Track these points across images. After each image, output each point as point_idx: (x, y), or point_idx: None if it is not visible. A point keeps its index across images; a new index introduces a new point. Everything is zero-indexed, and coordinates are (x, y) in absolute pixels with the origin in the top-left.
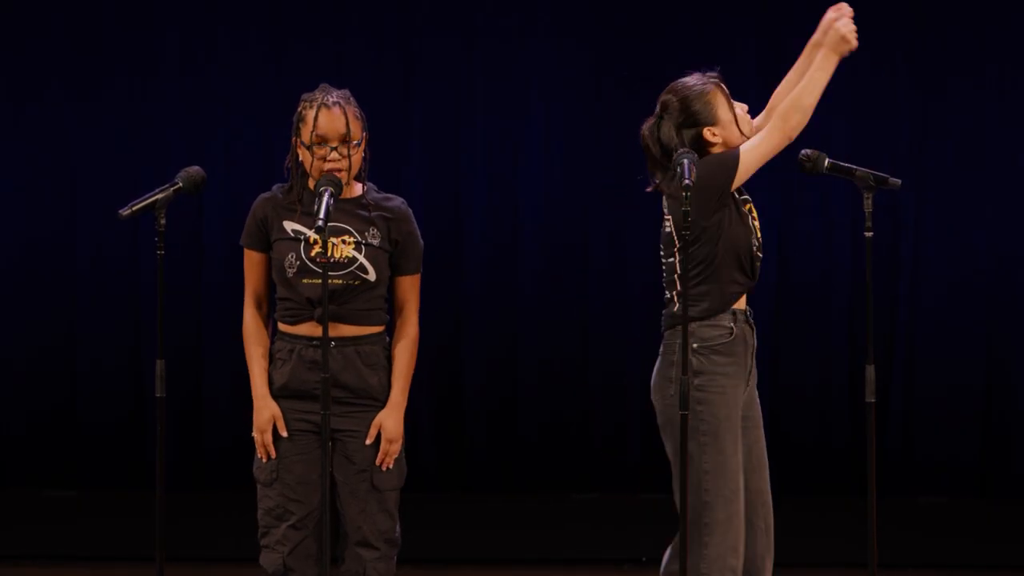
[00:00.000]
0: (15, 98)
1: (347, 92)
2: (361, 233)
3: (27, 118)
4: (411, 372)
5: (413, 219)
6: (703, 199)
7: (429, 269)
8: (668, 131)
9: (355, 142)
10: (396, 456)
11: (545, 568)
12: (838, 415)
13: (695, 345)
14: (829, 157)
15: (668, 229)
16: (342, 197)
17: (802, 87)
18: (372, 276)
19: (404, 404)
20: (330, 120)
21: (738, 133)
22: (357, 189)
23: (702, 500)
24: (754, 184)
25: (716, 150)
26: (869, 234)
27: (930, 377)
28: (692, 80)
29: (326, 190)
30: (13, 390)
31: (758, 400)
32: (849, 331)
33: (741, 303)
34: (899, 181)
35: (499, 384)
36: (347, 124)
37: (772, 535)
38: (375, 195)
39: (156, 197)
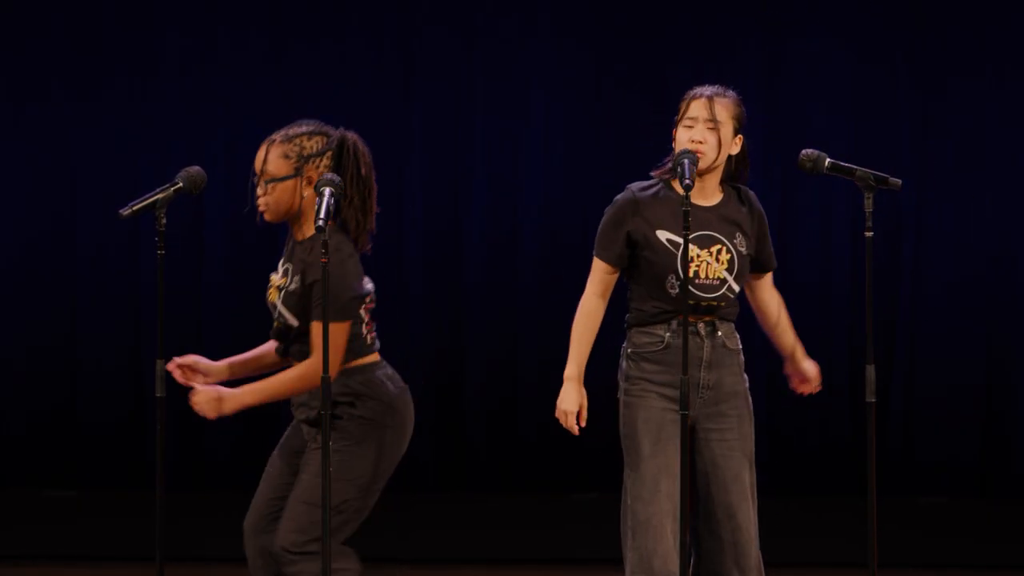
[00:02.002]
0: (15, 98)
1: (301, 130)
2: (286, 275)
3: (27, 118)
4: (274, 393)
5: (334, 293)
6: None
7: (430, 269)
8: None
9: (269, 179)
10: (206, 400)
11: (545, 568)
12: (838, 415)
13: (629, 350)
14: (829, 157)
15: None
16: (296, 238)
17: (574, 333)
18: (294, 322)
19: (246, 401)
20: (258, 155)
21: (674, 145)
22: (308, 231)
23: (626, 503)
24: (754, 184)
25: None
26: (869, 234)
27: (930, 377)
28: (697, 86)
29: (326, 189)
30: (13, 390)
31: (734, 414)
32: (849, 331)
33: (694, 317)
34: (899, 181)
35: (499, 384)
36: (264, 160)
37: (744, 550)
38: (309, 241)
39: (156, 197)
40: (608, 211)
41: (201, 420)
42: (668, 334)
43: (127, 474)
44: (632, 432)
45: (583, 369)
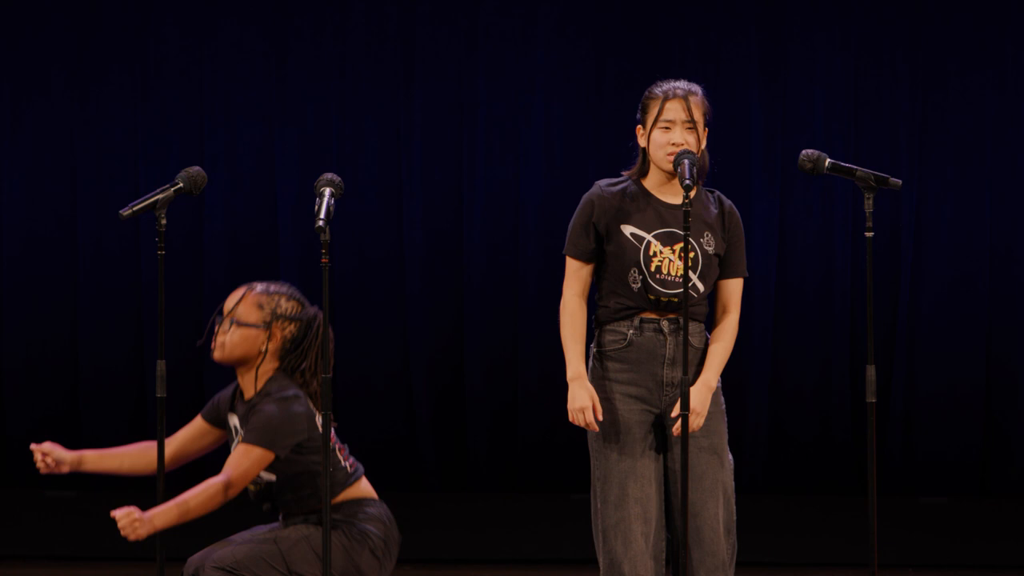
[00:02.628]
0: (16, 98)
1: (286, 290)
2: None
3: (28, 118)
4: (184, 514)
5: (264, 419)
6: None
7: (430, 269)
8: None
9: (240, 322)
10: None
11: (545, 568)
12: (838, 415)
13: (595, 350)
14: (830, 157)
15: None
16: (246, 396)
17: (563, 330)
18: (270, 477)
19: (157, 525)
20: (232, 295)
21: (645, 145)
22: (251, 387)
23: (596, 506)
24: (754, 184)
25: (644, 153)
26: (869, 234)
27: (930, 377)
28: (666, 81)
29: (326, 189)
30: (15, 390)
31: (706, 413)
32: (849, 331)
33: (657, 314)
34: (899, 181)
35: (500, 384)
36: (238, 301)
37: (710, 549)
38: (259, 398)
39: (156, 197)
40: (577, 209)
41: None
42: (631, 331)
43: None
44: (601, 435)
45: (584, 368)
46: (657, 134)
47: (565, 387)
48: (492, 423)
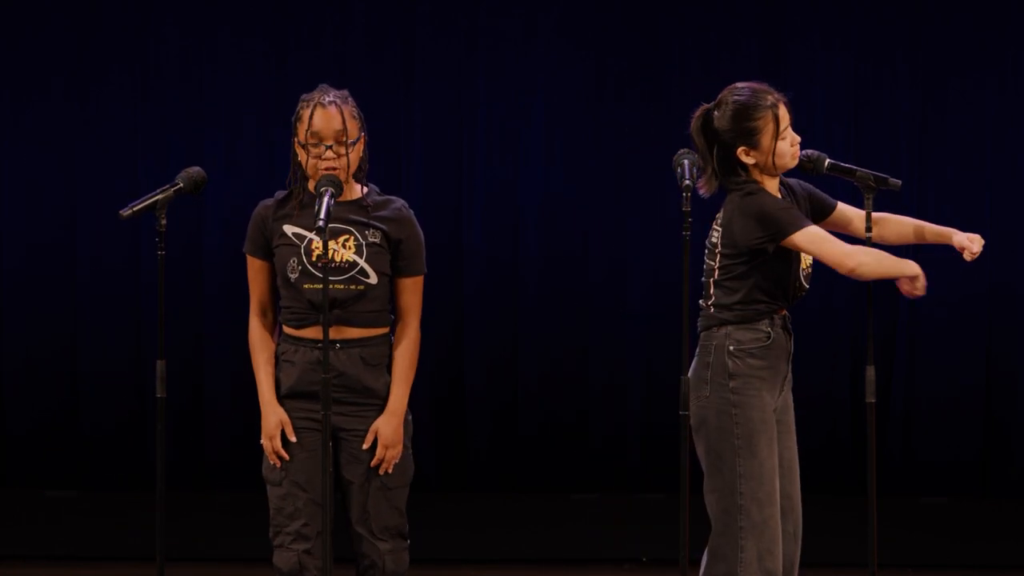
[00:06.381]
0: (15, 98)
1: (346, 92)
2: (362, 235)
3: (27, 118)
4: (411, 377)
5: (414, 220)
6: (748, 228)
7: (429, 269)
8: (713, 128)
9: (351, 141)
10: (396, 460)
11: (545, 568)
12: (838, 415)
13: (731, 348)
14: (829, 157)
15: (715, 238)
16: (342, 199)
17: (878, 263)
18: (373, 279)
19: (403, 410)
20: (325, 118)
21: (771, 163)
22: (357, 191)
23: (736, 504)
24: None
25: (749, 168)
26: (869, 234)
27: (930, 377)
28: (757, 91)
29: (327, 191)
30: (15, 390)
31: (792, 405)
32: (849, 331)
33: (784, 310)
34: (899, 181)
35: (500, 384)
36: (343, 122)
37: (800, 540)
38: (376, 197)
39: (156, 197)
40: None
41: (201, 421)
42: (771, 328)
43: (128, 474)
44: (748, 432)
45: None
46: (780, 144)
47: (564, 386)
48: (492, 423)
